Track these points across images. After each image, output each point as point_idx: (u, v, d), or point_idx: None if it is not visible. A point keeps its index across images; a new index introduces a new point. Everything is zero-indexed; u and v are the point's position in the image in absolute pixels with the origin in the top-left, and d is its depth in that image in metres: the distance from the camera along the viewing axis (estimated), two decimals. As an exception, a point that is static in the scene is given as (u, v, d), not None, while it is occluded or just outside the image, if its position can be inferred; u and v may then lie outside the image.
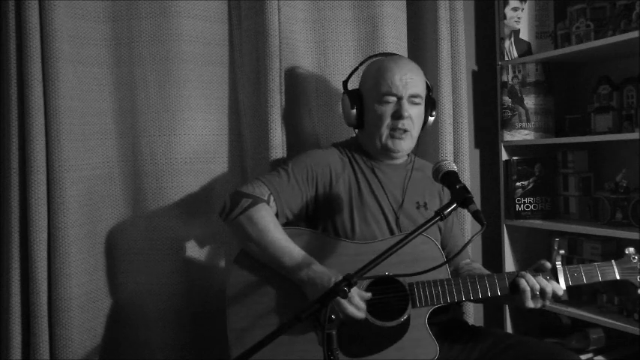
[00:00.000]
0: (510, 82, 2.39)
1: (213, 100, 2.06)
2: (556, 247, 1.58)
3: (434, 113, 1.85)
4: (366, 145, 1.80)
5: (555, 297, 1.54)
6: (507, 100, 2.40)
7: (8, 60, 1.79)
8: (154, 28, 1.96)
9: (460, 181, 1.46)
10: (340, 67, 2.10)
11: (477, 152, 2.55)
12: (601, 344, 2.23)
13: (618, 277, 1.60)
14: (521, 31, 2.42)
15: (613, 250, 2.25)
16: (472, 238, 1.38)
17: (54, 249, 1.81)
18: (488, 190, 2.54)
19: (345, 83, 1.87)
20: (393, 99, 1.71)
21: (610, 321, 2.10)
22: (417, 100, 1.73)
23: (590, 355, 2.21)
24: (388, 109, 1.71)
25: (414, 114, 1.73)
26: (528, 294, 1.51)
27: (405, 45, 2.20)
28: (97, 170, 1.95)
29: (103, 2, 1.95)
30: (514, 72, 2.39)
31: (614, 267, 1.61)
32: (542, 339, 2.22)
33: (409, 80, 1.71)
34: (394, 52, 2.10)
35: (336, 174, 1.75)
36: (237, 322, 1.60)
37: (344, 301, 1.48)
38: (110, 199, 1.99)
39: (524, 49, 2.42)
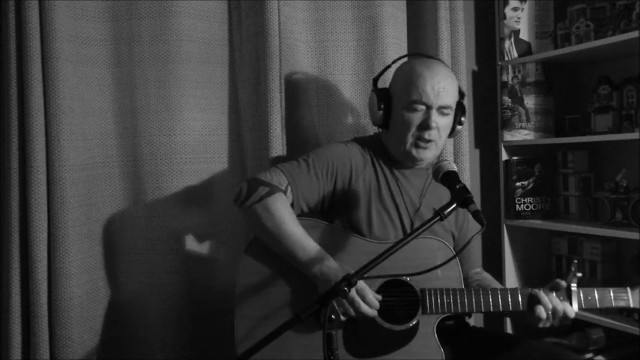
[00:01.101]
0: (510, 82, 2.39)
1: (213, 100, 2.06)
2: (573, 269, 1.54)
3: (463, 120, 1.77)
4: (389, 146, 1.76)
5: (566, 319, 1.52)
6: (507, 100, 2.40)
7: (8, 60, 1.79)
8: (154, 28, 1.95)
9: (460, 181, 1.45)
10: (340, 66, 2.10)
11: (477, 152, 2.55)
12: (601, 344, 2.24)
13: (632, 305, 1.57)
14: (521, 31, 2.42)
15: (613, 250, 2.25)
16: (472, 238, 1.38)
17: (54, 249, 1.81)
18: (488, 190, 2.54)
19: (375, 81, 1.82)
20: (422, 107, 1.64)
21: (610, 321, 2.09)
22: (446, 110, 1.67)
23: (590, 355, 2.21)
24: (416, 118, 1.65)
25: (442, 124, 1.67)
26: (547, 311, 1.49)
27: (405, 45, 2.20)
28: (97, 170, 1.95)
29: (103, 2, 1.95)
30: (514, 72, 2.39)
31: (629, 295, 1.58)
32: (542, 339, 2.23)
33: (441, 89, 1.63)
34: (394, 51, 2.10)
35: (356, 171, 1.72)
36: (246, 311, 1.58)
37: (358, 298, 1.47)
38: (110, 199, 1.99)
39: (524, 49, 2.42)
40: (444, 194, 1.73)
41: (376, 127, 1.83)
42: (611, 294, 1.57)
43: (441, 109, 1.66)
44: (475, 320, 2.37)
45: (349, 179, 1.71)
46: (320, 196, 1.69)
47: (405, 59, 1.87)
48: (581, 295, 1.55)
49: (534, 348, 1.58)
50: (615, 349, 2.24)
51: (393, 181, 1.73)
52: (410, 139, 1.67)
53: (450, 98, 1.67)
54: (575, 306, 1.53)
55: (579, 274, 1.55)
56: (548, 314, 1.49)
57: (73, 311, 1.83)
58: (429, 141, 1.66)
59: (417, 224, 1.70)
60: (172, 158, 1.98)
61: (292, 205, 1.65)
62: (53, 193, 1.80)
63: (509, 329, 2.44)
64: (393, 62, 1.85)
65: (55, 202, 1.80)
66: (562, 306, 1.50)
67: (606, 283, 2.21)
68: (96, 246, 1.96)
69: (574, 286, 1.54)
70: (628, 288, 1.58)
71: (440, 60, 1.86)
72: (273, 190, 1.61)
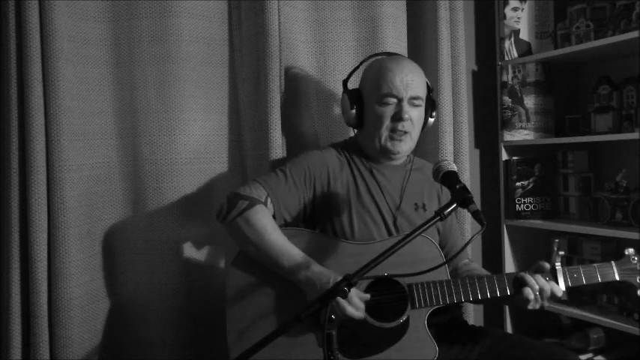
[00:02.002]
0: (510, 82, 2.39)
1: (213, 100, 2.06)
2: (555, 248, 1.57)
3: (434, 114, 1.83)
4: (364, 145, 1.79)
5: (554, 298, 1.54)
6: (507, 100, 2.40)
7: (8, 60, 1.79)
8: (154, 28, 1.95)
9: (460, 181, 1.46)
10: (340, 67, 2.10)
11: (477, 152, 2.55)
12: (601, 344, 2.24)
13: (618, 278, 1.60)
14: (521, 31, 2.42)
15: (613, 250, 2.25)
16: (472, 238, 1.39)
17: (54, 249, 1.81)
18: (488, 190, 2.54)
19: (345, 82, 1.86)
20: (394, 100, 1.69)
21: (610, 321, 2.10)
22: (417, 101, 1.71)
23: (590, 355, 2.21)
24: (388, 111, 1.70)
25: (414, 116, 1.71)
26: (535, 292, 1.50)
27: (405, 45, 2.20)
28: (97, 170, 1.95)
29: (103, 2, 1.95)
30: (514, 72, 2.39)
31: (614, 268, 1.61)
32: (542, 339, 2.23)
33: (410, 82, 1.69)
34: (394, 52, 2.10)
35: (334, 175, 1.74)
36: (236, 324, 1.60)
37: (343, 301, 1.48)
38: (110, 199, 1.99)
39: (524, 49, 2.42)
40: (424, 188, 1.79)
41: (352, 130, 1.86)
42: (597, 270, 1.59)
43: (412, 100, 1.70)
44: (475, 319, 2.37)
45: (327, 184, 1.73)
46: (301, 204, 1.71)
47: (371, 59, 1.89)
48: (567, 272, 1.57)
49: (533, 347, 1.58)
50: (615, 349, 2.24)
51: (371, 181, 1.75)
52: (385, 133, 1.71)
53: (419, 90, 1.72)
54: (562, 284, 1.54)
55: (562, 253, 1.57)
56: (535, 295, 1.51)
57: (73, 311, 1.83)
58: (404, 133, 1.70)
59: (399, 221, 1.72)
60: (172, 158, 1.98)
61: (274, 216, 1.67)
62: (53, 194, 1.80)
63: (509, 328, 2.44)
64: (361, 63, 1.89)
65: (55, 202, 1.80)
66: (548, 285, 1.52)
67: (606, 282, 2.20)
68: (96, 246, 1.96)
69: (558, 265, 1.56)
70: (612, 262, 1.61)
71: (405, 56, 1.93)
72: (253, 202, 1.63)
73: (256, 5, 1.99)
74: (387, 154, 1.74)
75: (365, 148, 1.79)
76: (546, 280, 1.54)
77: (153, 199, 1.98)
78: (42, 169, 1.79)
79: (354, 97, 1.77)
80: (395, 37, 2.13)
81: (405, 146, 1.73)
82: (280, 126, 1.99)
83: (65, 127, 1.82)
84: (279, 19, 1.98)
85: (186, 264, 2.01)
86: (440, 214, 1.36)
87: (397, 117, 1.69)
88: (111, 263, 2.00)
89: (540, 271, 1.57)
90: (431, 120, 1.83)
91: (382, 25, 2.10)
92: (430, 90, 1.83)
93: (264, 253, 1.59)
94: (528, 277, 1.52)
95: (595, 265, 1.61)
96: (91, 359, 1.91)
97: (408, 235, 1.34)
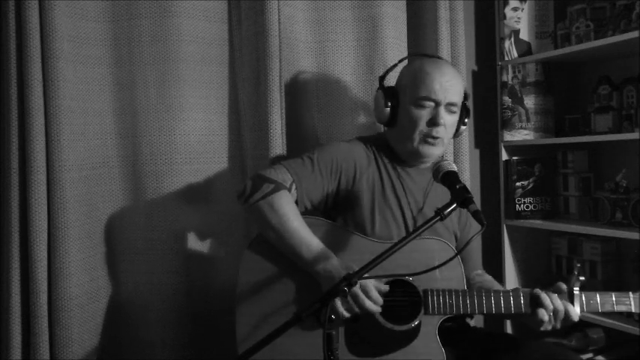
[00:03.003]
0: (510, 82, 2.39)
1: (213, 100, 2.06)
2: (576, 273, 1.52)
3: (466, 121, 1.81)
4: (394, 145, 1.76)
5: (568, 321, 1.49)
6: (507, 100, 2.40)
7: (8, 60, 1.79)
8: (154, 28, 1.95)
9: (460, 181, 1.45)
10: (340, 67, 2.10)
11: (477, 152, 2.55)
12: (601, 344, 2.23)
13: (634, 311, 1.55)
14: (521, 31, 2.42)
15: (613, 250, 2.25)
16: (472, 238, 1.38)
17: (54, 249, 1.81)
18: (488, 190, 2.54)
19: (381, 79, 1.82)
20: (431, 104, 1.66)
21: (610, 321, 2.09)
22: (453, 108, 1.68)
23: (590, 355, 2.21)
24: (424, 114, 1.66)
25: (449, 122, 1.68)
26: (549, 313, 1.47)
27: (405, 45, 2.20)
28: (97, 170, 1.95)
29: (103, 2, 1.95)
30: (514, 72, 2.39)
31: (631, 300, 1.55)
32: (542, 339, 2.23)
33: (449, 88, 1.65)
34: (394, 51, 2.10)
35: (360, 169, 1.72)
36: (248, 308, 1.57)
37: (361, 294, 1.46)
38: (110, 199, 1.99)
39: (524, 49, 2.42)
40: (447, 194, 1.74)
41: (381, 126, 1.83)
42: (613, 298, 1.55)
43: (449, 107, 1.67)
44: (475, 320, 2.37)
45: (353, 178, 1.71)
46: (324, 194, 1.69)
47: (411, 58, 1.87)
48: (584, 299, 1.53)
49: (534, 348, 1.57)
50: (615, 349, 2.24)
51: (396, 180, 1.73)
52: (418, 137, 1.68)
53: (457, 96, 1.68)
54: (578, 309, 1.50)
55: (582, 278, 1.52)
56: (549, 316, 1.48)
57: (73, 311, 1.83)
58: (436, 138, 1.67)
59: (419, 223, 1.68)
60: (172, 158, 1.98)
61: (296, 202, 1.65)
62: (53, 193, 1.80)
63: (509, 329, 2.44)
64: (400, 61, 1.86)
65: (55, 202, 1.80)
66: (563, 307, 1.48)
67: (606, 283, 2.21)
68: (96, 246, 1.96)
69: (576, 290, 1.52)
70: (630, 293, 1.57)
71: (447, 61, 1.88)
72: (278, 187, 1.61)
73: (256, 5, 1.99)
74: (417, 157, 1.71)
75: (394, 147, 1.76)
76: (562, 301, 1.49)
77: (153, 199, 1.98)
78: (42, 169, 1.79)
79: (390, 95, 1.73)
80: (395, 37, 2.13)
81: (437, 151, 1.70)
82: (280, 126, 1.99)
83: (65, 127, 1.82)
84: (279, 19, 1.98)
85: (186, 264, 2.01)
86: (440, 214, 1.36)
87: (433, 122, 1.66)
88: (111, 263, 2.00)
89: (557, 292, 1.52)
90: (463, 127, 1.80)
91: (382, 25, 2.10)
92: (466, 97, 1.79)
93: (284, 240, 1.57)
94: (544, 297, 1.48)
95: (613, 294, 1.55)
96: (90, 359, 1.91)
97: (408, 236, 1.34)
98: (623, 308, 1.55)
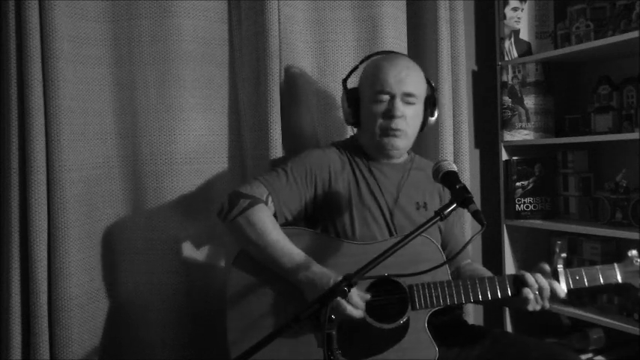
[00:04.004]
0: (510, 82, 2.39)
1: (213, 100, 2.06)
2: (557, 250, 1.55)
3: (435, 113, 1.81)
4: (363, 144, 1.79)
5: (556, 299, 1.53)
6: (507, 100, 2.40)
7: (8, 60, 1.79)
8: (154, 28, 1.95)
9: (460, 181, 1.45)
10: (340, 67, 2.10)
11: (477, 152, 2.55)
12: (601, 344, 2.24)
13: (620, 280, 1.58)
14: (521, 31, 2.42)
15: (613, 250, 2.25)
16: (472, 238, 1.38)
17: (54, 249, 1.81)
18: (488, 190, 2.54)
19: (344, 82, 1.86)
20: (386, 97, 1.69)
21: (610, 321, 2.10)
22: (411, 99, 1.70)
23: (590, 355, 2.21)
24: (381, 108, 1.70)
25: (409, 114, 1.70)
26: (534, 292, 1.49)
27: (405, 45, 2.20)
28: (97, 170, 1.95)
29: (103, 2, 1.95)
30: (514, 72, 2.39)
31: (617, 270, 1.59)
32: (542, 339, 2.23)
33: (403, 78, 1.68)
34: (394, 50, 2.10)
35: (335, 174, 1.74)
36: (237, 323, 1.59)
37: (342, 301, 1.47)
38: (110, 199, 1.99)
39: (524, 49, 2.42)
40: (426, 187, 1.77)
41: (353, 130, 1.86)
42: (599, 272, 1.58)
43: (405, 97, 1.69)
44: (475, 319, 2.37)
45: (329, 183, 1.73)
46: (302, 203, 1.71)
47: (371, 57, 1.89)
48: (569, 274, 1.55)
49: (534, 347, 1.58)
50: (615, 349, 2.24)
51: (371, 179, 1.75)
52: (378, 130, 1.71)
53: (413, 87, 1.70)
54: (564, 286, 1.53)
55: (564, 255, 1.55)
56: (535, 295, 1.50)
57: (73, 311, 1.83)
58: (396, 129, 1.69)
59: (397, 217, 1.71)
60: (172, 158, 1.98)
61: (275, 215, 1.67)
62: (53, 193, 1.80)
63: (509, 327, 2.44)
64: (360, 62, 1.88)
65: (54, 202, 1.80)
66: (548, 284, 1.50)
67: (608, 284, 2.21)
68: (96, 246, 1.96)
69: (560, 267, 1.54)
70: (615, 263, 1.60)
71: (404, 55, 1.92)
72: (255, 201, 1.63)
73: (256, 5, 1.99)
74: (382, 150, 1.74)
75: (364, 147, 1.79)
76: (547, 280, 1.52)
77: (153, 199, 1.98)
78: (42, 169, 1.79)
79: (352, 95, 1.78)
80: (395, 37, 2.13)
81: (401, 142, 1.72)
82: (280, 126, 1.99)
83: (65, 127, 1.82)
84: (279, 19, 1.98)
85: (186, 264, 2.01)
86: (440, 214, 1.36)
87: (388, 114, 1.69)
88: (111, 263, 2.00)
89: (541, 272, 1.55)
90: (431, 119, 1.81)
91: (382, 25, 2.10)
92: (433, 89, 1.82)
93: (265, 253, 1.59)
94: (528, 276, 1.51)
95: (597, 267, 1.60)
96: (90, 359, 1.91)
97: (408, 235, 1.34)
98: (611, 280, 1.58)
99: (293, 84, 2.06)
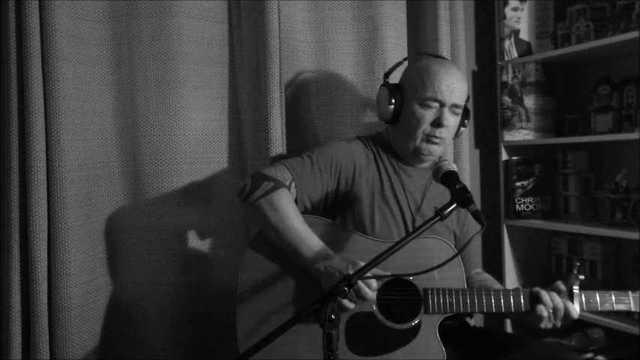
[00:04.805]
0: (510, 82, 2.39)
1: (213, 99, 2.06)
2: (575, 272, 1.53)
3: (466, 123, 1.82)
4: (395, 143, 1.77)
5: (569, 320, 1.50)
6: (507, 100, 2.40)
7: (8, 60, 1.78)
8: (154, 28, 1.95)
9: (460, 181, 1.45)
10: (340, 67, 2.10)
11: (476, 152, 2.55)
12: (601, 344, 2.24)
13: (633, 309, 1.55)
14: (521, 31, 2.42)
15: (613, 250, 2.25)
16: (472, 238, 1.38)
17: (54, 249, 1.81)
18: (488, 190, 2.54)
19: (385, 76, 1.82)
20: (436, 105, 1.66)
21: (610, 321, 2.09)
22: (457, 110, 1.69)
23: (590, 355, 2.21)
24: (429, 114, 1.67)
25: (452, 123, 1.69)
26: (548, 310, 1.48)
27: (405, 45, 2.20)
28: (97, 170, 1.95)
29: (103, 2, 1.95)
30: (514, 72, 2.39)
31: (630, 298, 1.56)
32: (542, 339, 2.23)
33: (455, 89, 1.66)
34: (394, 51, 2.11)
35: (359, 169, 1.72)
36: (249, 306, 1.58)
37: (362, 284, 1.45)
38: (110, 199, 1.99)
39: (524, 49, 2.42)
40: (446, 193, 1.74)
41: (383, 125, 1.83)
42: (613, 297, 1.55)
43: (453, 108, 1.68)
44: (475, 320, 2.37)
45: (352, 177, 1.71)
46: (323, 193, 1.69)
47: (416, 57, 1.87)
48: (583, 297, 1.53)
49: (535, 348, 1.58)
50: (615, 349, 2.24)
51: (396, 179, 1.73)
52: (421, 135, 1.68)
53: (462, 98, 1.70)
54: (577, 307, 1.51)
55: (582, 277, 1.53)
56: (549, 313, 1.48)
57: (73, 311, 1.83)
58: (439, 138, 1.68)
59: (418, 222, 1.70)
60: (172, 158, 1.98)
61: (296, 201, 1.65)
62: (53, 193, 1.80)
63: (509, 329, 2.44)
64: (405, 59, 1.87)
65: (55, 202, 1.80)
66: (563, 304, 1.49)
67: (606, 283, 2.21)
68: (96, 246, 1.95)
69: (576, 289, 1.52)
70: (629, 292, 1.57)
71: (452, 61, 1.88)
72: (278, 185, 1.61)
73: (256, 5, 1.99)
74: (418, 155, 1.72)
75: (395, 146, 1.77)
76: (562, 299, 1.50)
77: (153, 199, 1.98)
78: (42, 169, 1.79)
79: (395, 92, 1.73)
80: (395, 37, 2.13)
81: (439, 150, 1.71)
82: (280, 126, 1.99)
83: (65, 127, 1.82)
84: (279, 19, 1.98)
85: (186, 264, 2.01)
86: (440, 214, 1.36)
87: (437, 122, 1.66)
88: (111, 263, 2.00)
89: (557, 291, 1.53)
90: (463, 129, 1.81)
91: (382, 25, 2.10)
92: (467, 99, 1.80)
93: (283, 238, 1.57)
94: (543, 294, 1.49)
95: (612, 293, 1.56)
96: (90, 359, 1.91)
97: (408, 235, 1.33)
98: (622, 307, 1.56)
99: (293, 84, 2.06)
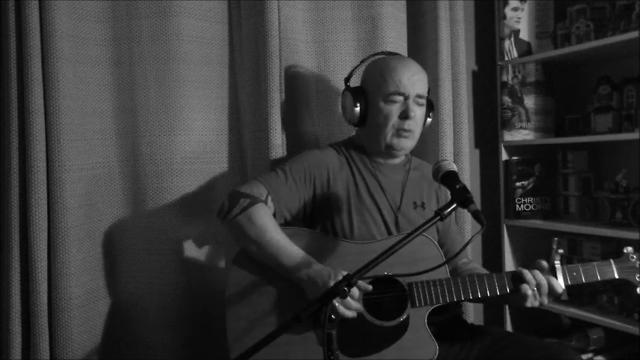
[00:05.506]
0: (510, 82, 2.39)
1: (213, 100, 2.06)
2: (555, 247, 1.57)
3: (431, 114, 1.85)
4: (366, 143, 1.80)
5: (554, 295, 1.54)
6: (507, 100, 2.40)
7: (8, 60, 1.78)
8: (154, 28, 1.95)
9: (460, 181, 1.46)
10: (340, 67, 2.10)
11: (476, 152, 2.55)
12: (601, 344, 2.24)
13: (617, 276, 1.60)
14: (521, 31, 2.42)
15: (613, 250, 2.25)
16: (472, 238, 1.38)
17: (54, 249, 1.81)
18: (489, 190, 2.54)
19: (346, 80, 1.86)
20: (400, 98, 1.70)
21: (610, 321, 2.10)
22: (421, 100, 1.73)
23: (590, 355, 2.21)
24: (395, 109, 1.70)
25: (419, 114, 1.73)
26: (532, 287, 1.51)
27: (405, 45, 2.20)
28: (97, 170, 1.95)
29: (103, 2, 1.95)
30: (514, 72, 2.39)
31: (613, 266, 1.61)
32: (542, 339, 2.23)
33: (416, 81, 1.71)
34: (394, 51, 2.10)
35: (333, 174, 1.74)
36: (237, 322, 1.59)
37: (334, 302, 1.46)
38: (110, 199, 1.99)
39: (524, 49, 2.42)
40: (423, 187, 1.79)
41: (353, 130, 1.86)
42: (596, 268, 1.59)
43: (417, 99, 1.72)
44: (475, 318, 2.37)
45: (327, 182, 1.74)
46: (301, 203, 1.72)
47: (373, 58, 1.89)
48: (566, 271, 1.57)
49: (535, 347, 1.58)
50: (615, 349, 2.24)
51: (371, 180, 1.76)
52: (391, 131, 1.72)
53: (424, 89, 1.74)
54: (562, 282, 1.54)
55: (561, 251, 1.57)
56: (533, 290, 1.51)
57: (73, 311, 1.83)
58: (408, 130, 1.71)
59: (400, 220, 1.73)
60: (172, 158, 1.98)
61: (274, 215, 1.67)
62: (53, 194, 1.80)
63: (509, 327, 2.44)
64: (362, 62, 1.89)
65: (55, 202, 1.80)
66: (546, 280, 1.52)
67: (606, 282, 2.21)
68: (96, 246, 1.95)
69: (557, 263, 1.56)
70: (611, 260, 1.62)
71: (406, 55, 1.94)
72: (254, 200, 1.63)
73: (256, 5, 1.99)
74: (391, 151, 1.75)
75: (366, 146, 1.80)
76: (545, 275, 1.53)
77: (153, 199, 1.98)
78: (42, 169, 1.79)
79: (358, 94, 1.77)
80: (395, 37, 2.13)
81: (409, 143, 1.75)
82: (280, 126, 1.99)
83: (65, 127, 1.82)
84: (279, 19, 1.98)
85: (186, 264, 2.01)
86: (440, 214, 1.36)
87: (404, 115, 1.70)
88: (111, 263, 2.00)
89: (539, 268, 1.57)
90: (429, 120, 1.84)
91: (382, 25, 2.10)
92: (428, 91, 1.83)
93: (265, 252, 1.59)
94: (526, 272, 1.53)
95: (594, 263, 1.61)
96: (90, 359, 1.91)
97: (408, 235, 1.34)
98: (607, 276, 1.59)
99: (293, 84, 2.06)
